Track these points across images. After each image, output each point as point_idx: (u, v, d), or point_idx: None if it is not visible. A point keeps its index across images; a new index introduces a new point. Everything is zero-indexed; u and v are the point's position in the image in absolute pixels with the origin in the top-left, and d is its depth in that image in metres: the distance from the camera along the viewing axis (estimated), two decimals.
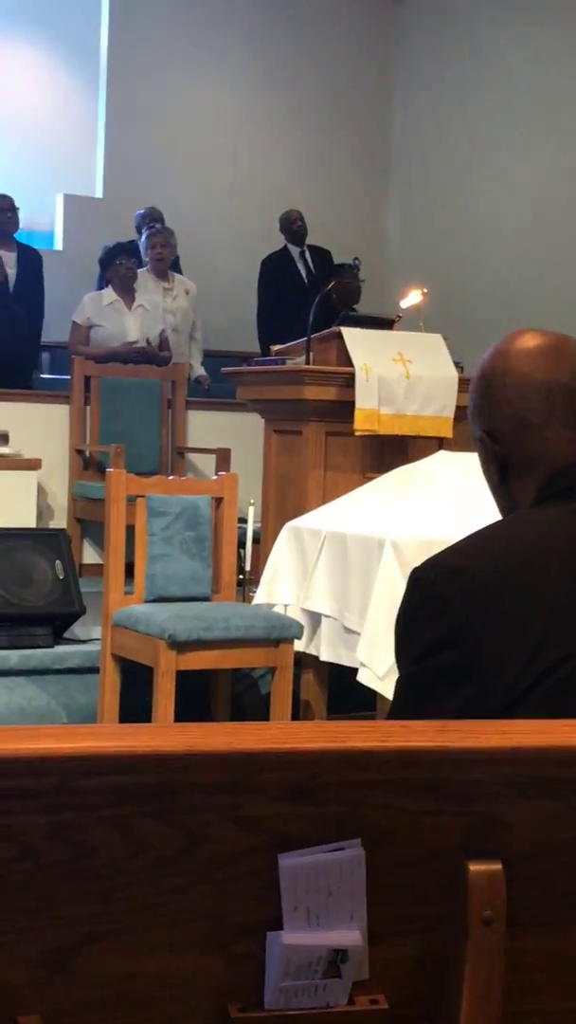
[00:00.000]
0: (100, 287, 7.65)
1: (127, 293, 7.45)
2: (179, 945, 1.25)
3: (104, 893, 1.23)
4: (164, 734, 1.28)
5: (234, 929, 1.28)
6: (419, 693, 1.68)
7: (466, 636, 1.62)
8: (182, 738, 1.25)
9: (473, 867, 1.27)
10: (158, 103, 9.65)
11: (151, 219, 8.28)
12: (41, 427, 7.00)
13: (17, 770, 1.20)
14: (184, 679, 4.21)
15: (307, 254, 8.80)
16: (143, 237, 7.99)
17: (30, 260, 8.11)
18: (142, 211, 8.44)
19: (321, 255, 8.75)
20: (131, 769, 1.23)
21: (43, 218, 9.46)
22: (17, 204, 8.07)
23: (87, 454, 7.05)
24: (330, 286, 5.83)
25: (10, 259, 7.97)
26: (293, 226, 8.78)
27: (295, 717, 4.40)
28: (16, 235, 8.14)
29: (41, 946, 1.22)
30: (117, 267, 7.41)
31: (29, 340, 7.57)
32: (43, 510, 6.95)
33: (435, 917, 1.30)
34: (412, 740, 1.30)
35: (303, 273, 8.72)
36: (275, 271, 8.73)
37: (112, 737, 1.26)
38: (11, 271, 7.94)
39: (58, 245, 9.47)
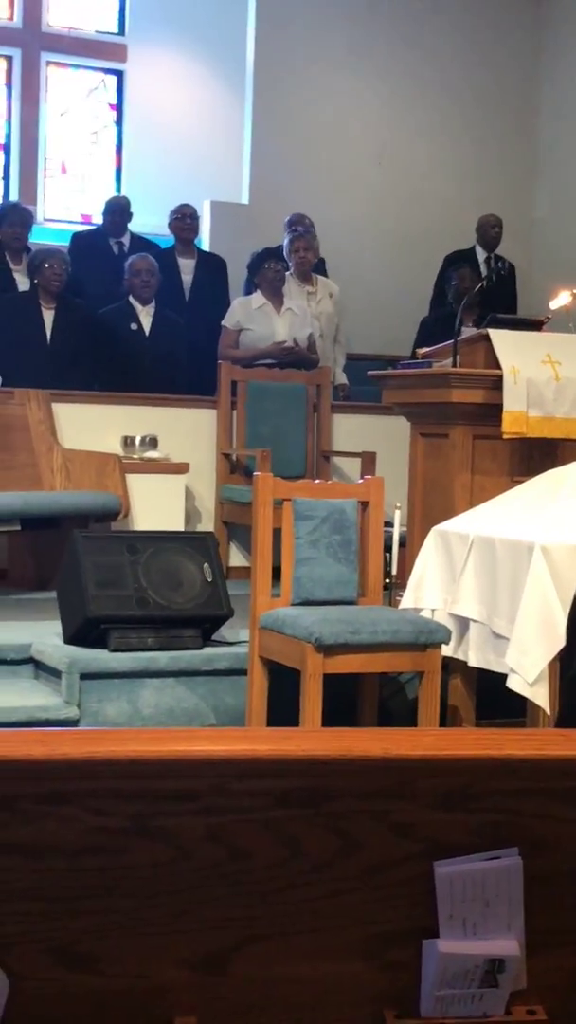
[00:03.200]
0: (248, 292, 7.70)
1: (276, 297, 7.49)
2: (334, 950, 1.25)
3: (260, 896, 1.23)
4: (318, 738, 1.28)
5: (389, 936, 1.27)
6: None
7: None
8: (336, 743, 1.25)
9: None
10: (303, 109, 9.69)
11: (295, 223, 8.31)
12: (189, 431, 7.08)
13: (173, 772, 1.21)
14: (331, 682, 4.21)
15: (492, 260, 8.74)
16: (286, 240, 8.01)
17: (209, 266, 8.20)
18: (291, 217, 8.46)
19: (504, 264, 8.66)
20: (286, 773, 1.23)
21: None
22: (165, 209, 8.20)
23: (233, 458, 7.10)
24: (477, 288, 5.78)
25: (188, 266, 8.08)
26: (491, 232, 8.75)
27: (443, 722, 4.37)
28: (166, 241, 8.26)
29: (198, 948, 1.23)
30: (265, 271, 7.45)
31: (207, 346, 7.56)
32: (191, 513, 7.02)
33: None
34: (570, 748, 1.28)
35: (483, 277, 8.64)
36: (456, 269, 8.68)
37: (267, 740, 1.26)
38: (187, 277, 8.04)
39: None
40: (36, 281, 7.05)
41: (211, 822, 1.22)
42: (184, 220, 8.12)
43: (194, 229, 8.24)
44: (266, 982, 1.25)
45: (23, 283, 7.29)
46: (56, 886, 1.21)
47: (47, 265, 6.98)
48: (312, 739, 1.26)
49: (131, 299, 7.32)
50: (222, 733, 1.24)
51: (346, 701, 4.53)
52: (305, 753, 1.22)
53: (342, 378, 7.99)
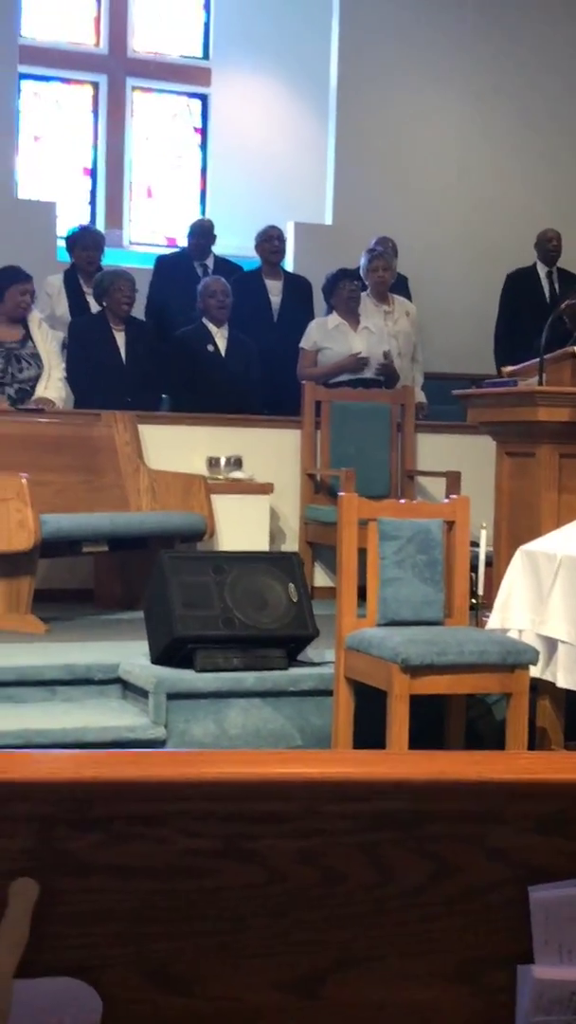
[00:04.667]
0: (327, 313, 7.72)
1: (351, 316, 7.50)
2: (428, 976, 1.24)
3: (353, 920, 1.23)
4: (411, 761, 1.27)
5: (483, 961, 1.26)
6: None
7: None
8: (430, 766, 1.24)
9: None
10: (386, 129, 9.70)
11: (375, 244, 8.29)
12: (273, 452, 7.10)
13: (265, 794, 1.21)
14: (417, 704, 4.19)
15: (554, 275, 8.72)
16: (364, 260, 8.00)
17: (296, 288, 8.24)
18: (374, 240, 8.46)
19: (569, 279, 8.65)
20: (378, 796, 1.22)
21: None
22: (250, 231, 8.26)
23: (318, 478, 7.11)
24: (563, 306, 5.74)
25: (275, 287, 8.13)
26: (548, 245, 8.71)
27: (531, 745, 4.32)
28: (250, 263, 8.31)
29: (290, 971, 1.23)
30: (340, 291, 7.48)
31: (294, 367, 7.52)
32: (275, 533, 7.04)
33: None
34: None
35: (547, 293, 8.62)
36: (518, 287, 8.67)
37: (359, 763, 1.25)
38: (275, 298, 8.08)
39: None
40: (105, 304, 7.12)
41: (303, 845, 1.22)
42: (272, 242, 8.16)
43: (281, 251, 8.28)
44: (359, 1007, 1.24)
45: (95, 305, 7.37)
46: (149, 907, 1.21)
47: (117, 288, 7.05)
48: (405, 762, 1.25)
49: (205, 321, 7.36)
50: (315, 755, 1.24)
51: (433, 722, 4.51)
52: (398, 776, 1.21)
53: (421, 397, 7.97)
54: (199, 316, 7.40)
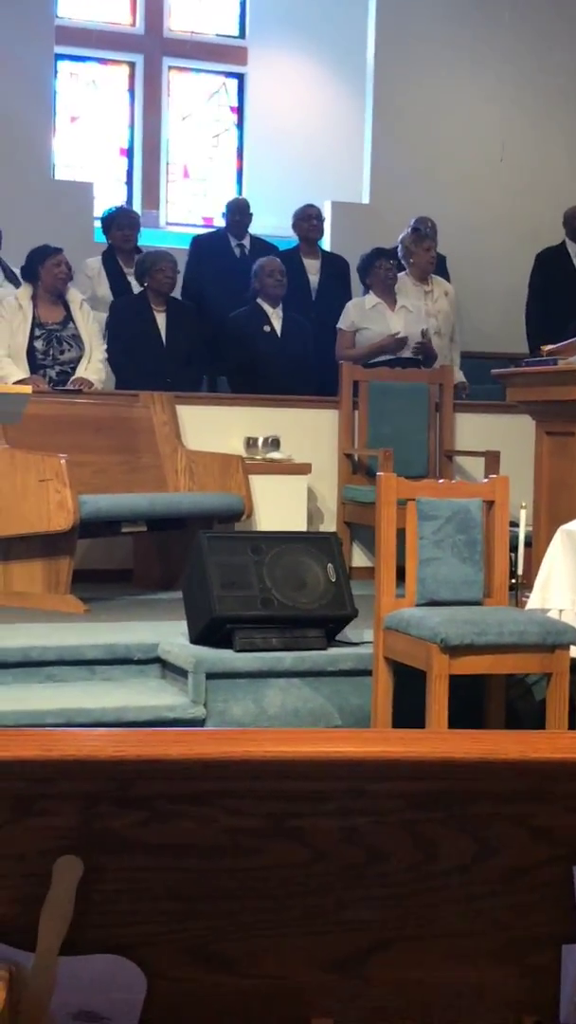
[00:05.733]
0: (364, 293, 7.69)
1: (388, 295, 7.46)
2: (472, 955, 1.24)
3: (397, 899, 1.22)
4: (454, 740, 1.27)
5: (528, 940, 1.25)
6: None
7: None
8: (473, 745, 1.23)
9: None
10: (423, 107, 9.64)
11: (419, 224, 8.25)
12: (311, 432, 7.08)
13: (309, 773, 1.20)
14: (457, 683, 4.18)
15: None
16: (408, 239, 7.94)
17: (334, 267, 8.22)
18: (415, 220, 8.41)
19: None
20: (422, 775, 1.22)
21: None
22: (286, 211, 8.23)
23: (356, 458, 7.09)
24: None
25: (313, 266, 8.11)
26: None
27: (571, 725, 4.30)
28: (286, 242, 8.28)
29: (335, 949, 1.23)
30: (377, 270, 7.43)
31: (332, 346, 7.51)
32: (313, 514, 7.03)
33: None
34: None
35: None
36: (549, 266, 8.60)
37: (402, 742, 1.25)
38: (313, 278, 8.07)
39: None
40: (147, 284, 7.13)
41: (346, 824, 1.22)
42: (310, 221, 8.15)
43: (320, 230, 8.27)
44: (403, 985, 1.24)
45: (137, 285, 7.38)
46: (193, 886, 1.21)
47: (159, 268, 7.05)
48: (448, 741, 1.25)
49: (259, 301, 7.34)
50: (358, 734, 1.24)
51: (472, 703, 4.49)
52: (442, 755, 1.21)
53: (460, 376, 7.92)
54: (253, 297, 7.36)
